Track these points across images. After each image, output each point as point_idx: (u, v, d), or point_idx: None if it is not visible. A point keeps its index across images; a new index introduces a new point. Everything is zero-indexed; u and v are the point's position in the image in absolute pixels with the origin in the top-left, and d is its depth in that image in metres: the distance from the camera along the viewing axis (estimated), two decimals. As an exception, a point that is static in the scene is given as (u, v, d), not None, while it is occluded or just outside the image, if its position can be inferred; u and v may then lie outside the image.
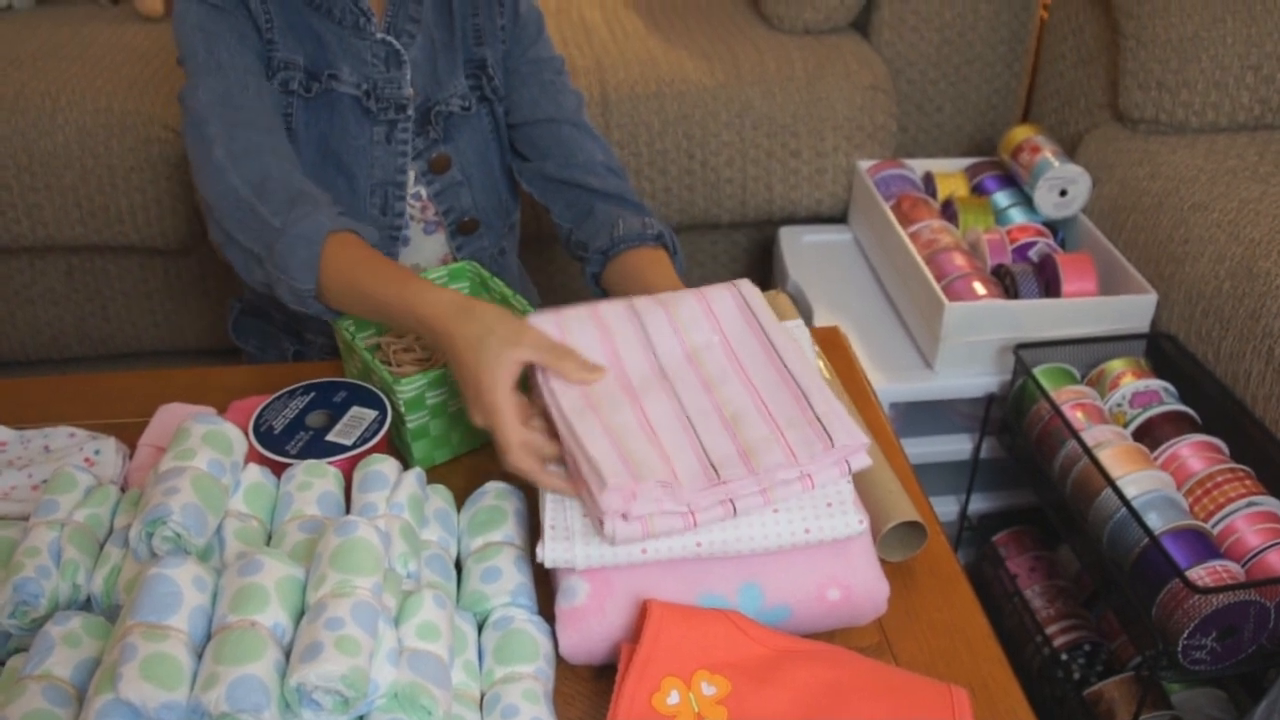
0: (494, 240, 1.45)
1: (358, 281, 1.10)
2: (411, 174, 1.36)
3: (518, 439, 0.94)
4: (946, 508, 1.83)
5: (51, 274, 2.09)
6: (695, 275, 2.21)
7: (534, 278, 2.05)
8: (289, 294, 1.15)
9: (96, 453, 1.09)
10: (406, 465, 1.05)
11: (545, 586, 0.95)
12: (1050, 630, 1.65)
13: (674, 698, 0.84)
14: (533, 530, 1.02)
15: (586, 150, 1.37)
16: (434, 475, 1.08)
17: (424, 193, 1.38)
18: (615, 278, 1.29)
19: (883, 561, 1.01)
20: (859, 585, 0.92)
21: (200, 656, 0.75)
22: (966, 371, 1.66)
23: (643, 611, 0.87)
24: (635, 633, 0.87)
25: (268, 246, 1.14)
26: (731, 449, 0.92)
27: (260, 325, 1.53)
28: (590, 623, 0.88)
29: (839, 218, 2.08)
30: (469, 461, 1.14)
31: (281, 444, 1.02)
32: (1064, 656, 1.62)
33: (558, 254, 2.12)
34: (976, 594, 1.00)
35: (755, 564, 0.91)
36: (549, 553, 0.88)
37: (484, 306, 1.00)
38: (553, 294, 2.17)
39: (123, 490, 1.01)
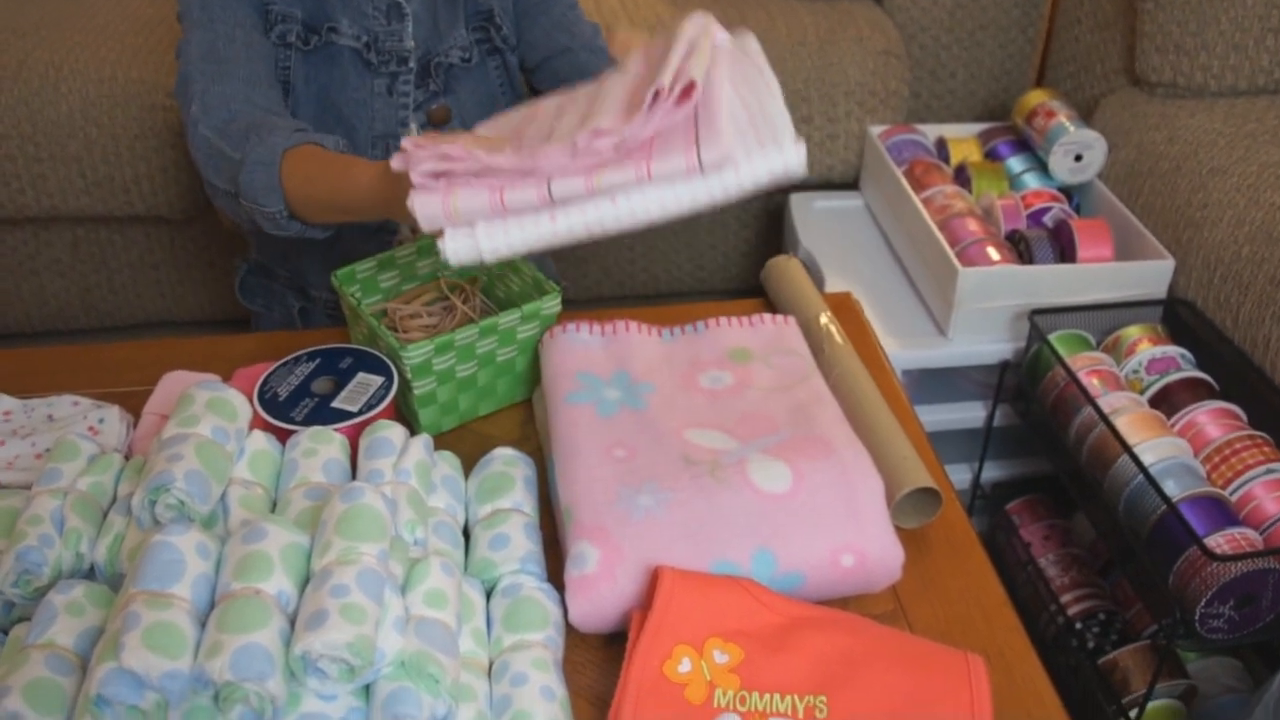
0: None
1: (315, 188, 1.11)
2: (414, 126, 1.34)
3: None
4: (960, 476, 1.81)
5: (57, 245, 2.08)
6: (705, 244, 2.19)
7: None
8: (267, 222, 1.16)
9: (101, 421, 1.08)
10: (414, 432, 1.03)
11: (555, 554, 0.94)
12: (1064, 599, 1.64)
13: (686, 665, 0.83)
14: (543, 499, 1.00)
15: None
16: (441, 442, 1.06)
17: None
18: None
19: (897, 529, 0.99)
20: (873, 551, 0.91)
21: (204, 625, 0.74)
22: (980, 338, 1.64)
23: (654, 578, 0.86)
24: (646, 600, 0.86)
25: (235, 181, 1.14)
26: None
27: (266, 285, 1.52)
28: (601, 590, 0.86)
29: (851, 184, 2.05)
30: (477, 428, 1.13)
31: (286, 411, 1.01)
32: (1078, 625, 1.60)
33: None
34: (992, 563, 0.99)
35: (768, 530, 0.90)
36: (450, 248, 0.86)
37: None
38: (564, 264, 2.15)
39: (127, 459, 1.00)
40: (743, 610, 0.86)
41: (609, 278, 2.20)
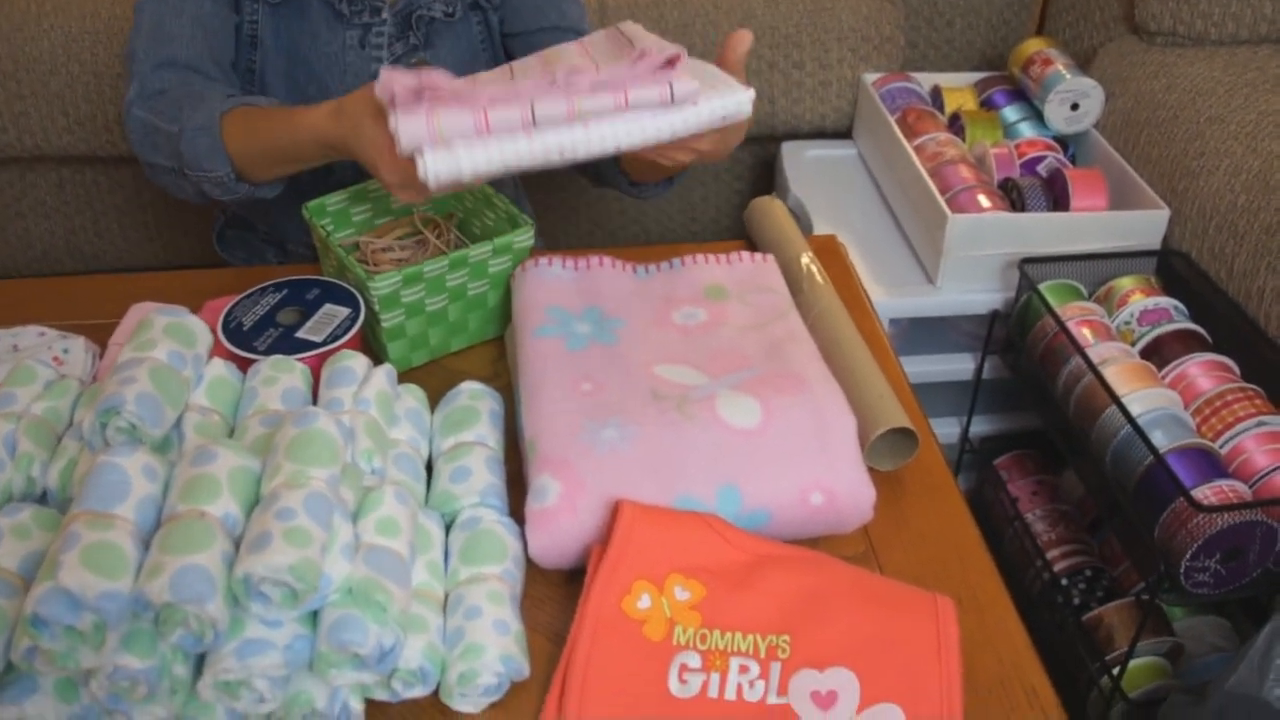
0: None
1: (260, 140, 1.11)
2: None
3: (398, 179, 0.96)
4: (948, 429, 1.79)
5: (42, 186, 2.05)
6: (696, 195, 2.16)
7: (536, 198, 2.01)
8: (215, 188, 1.16)
9: (65, 351, 1.06)
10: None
11: (520, 490, 0.92)
12: (1051, 555, 1.62)
13: (645, 601, 0.81)
14: (509, 434, 0.98)
15: None
16: (412, 378, 1.04)
17: None
18: (631, 164, 1.24)
19: (872, 471, 0.97)
20: (843, 489, 0.89)
21: (149, 548, 0.72)
22: (970, 287, 1.62)
23: (614, 512, 0.84)
24: (607, 535, 0.84)
25: (176, 154, 1.14)
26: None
27: (244, 237, 1.50)
28: (561, 523, 0.84)
29: (844, 133, 2.02)
30: (448, 364, 1.11)
31: (250, 341, 0.99)
32: (1064, 581, 1.58)
33: (560, 179, 2.07)
34: (976, 519, 0.96)
35: (735, 466, 0.87)
36: (430, 164, 0.87)
37: (351, 98, 1.01)
38: (554, 215, 2.13)
39: (88, 388, 0.98)
40: (706, 546, 0.84)
41: (600, 229, 2.17)
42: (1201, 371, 1.41)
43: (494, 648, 0.76)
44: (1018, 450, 1.80)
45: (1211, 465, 1.30)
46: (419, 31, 1.30)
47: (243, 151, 1.12)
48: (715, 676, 0.78)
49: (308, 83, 1.29)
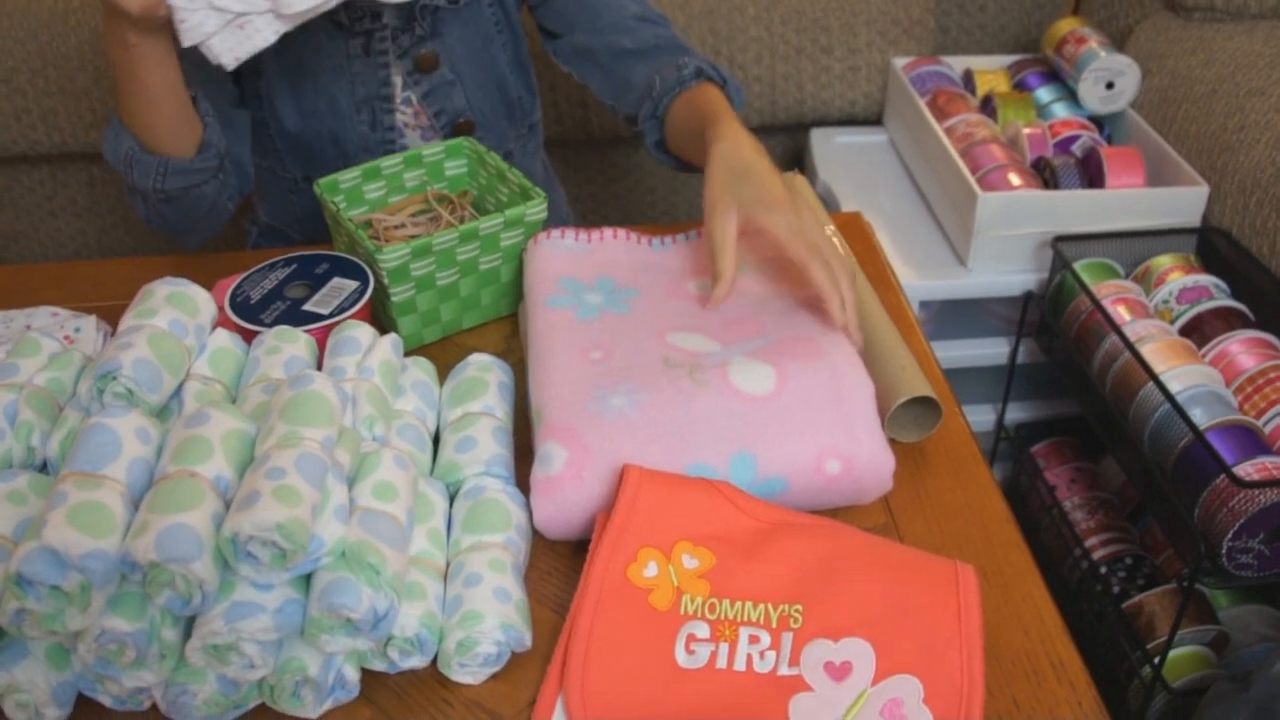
0: (497, 143, 1.36)
1: (118, 89, 1.08)
2: (399, 80, 1.27)
3: None
4: (982, 416, 1.75)
5: (74, 185, 2.06)
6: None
7: (569, 180, 1.99)
8: (140, 167, 1.11)
9: (77, 330, 1.06)
10: (388, 338, 0.99)
11: (529, 463, 0.89)
12: (1090, 543, 1.57)
13: (652, 569, 0.78)
14: (518, 406, 0.96)
15: (613, 7, 1.26)
16: (424, 355, 1.02)
17: (414, 96, 1.29)
18: (674, 138, 1.18)
19: (895, 443, 0.94)
20: (861, 457, 0.85)
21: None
22: (1002, 268, 1.58)
23: (619, 478, 0.81)
24: (613, 503, 0.81)
25: (118, 162, 1.12)
26: None
27: (279, 246, 1.48)
28: (566, 492, 0.82)
29: (874, 120, 1.98)
30: (461, 341, 1.09)
31: (256, 314, 0.97)
32: (1103, 569, 1.54)
33: (590, 159, 2.06)
34: (1012, 508, 0.93)
35: (748, 433, 0.85)
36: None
37: None
38: (584, 205, 2.11)
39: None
40: (715, 513, 0.81)
41: (628, 219, 2.15)
42: (1243, 349, 1.36)
43: (493, 615, 0.74)
44: (1055, 437, 1.75)
45: (1254, 442, 1.26)
46: (424, 22, 1.25)
47: (121, 109, 1.09)
48: (724, 647, 0.75)
49: (316, 98, 1.26)
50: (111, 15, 1.00)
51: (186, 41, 0.98)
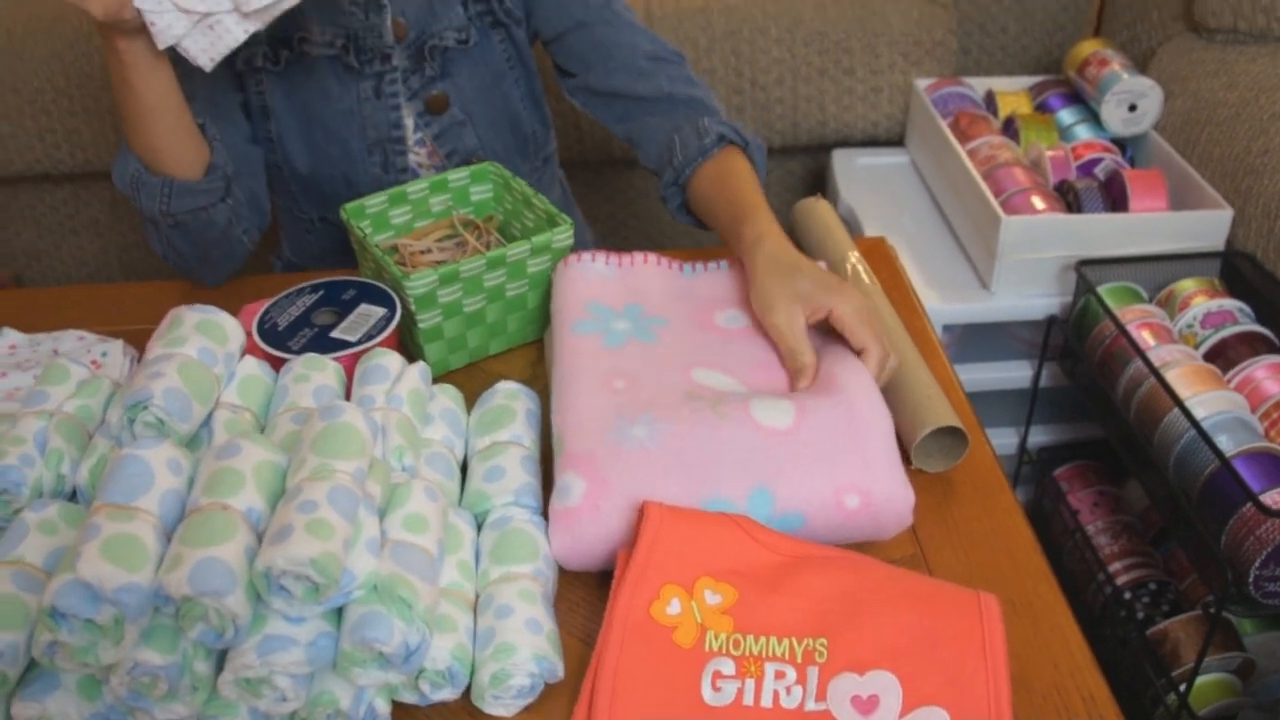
0: None
1: (119, 109, 1.09)
2: (410, 121, 1.27)
3: None
4: (1005, 440, 1.74)
5: (96, 204, 2.07)
6: (747, 205, 2.12)
7: (588, 200, 1.98)
8: (147, 190, 1.11)
9: (104, 355, 1.06)
10: (415, 365, 0.99)
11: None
12: (1113, 568, 1.56)
13: (675, 607, 0.78)
14: (544, 433, 0.96)
15: (625, 46, 1.25)
16: (450, 382, 1.02)
17: (426, 137, 1.29)
18: (699, 206, 1.18)
19: (921, 472, 0.94)
20: (880, 492, 0.85)
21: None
22: (1025, 292, 1.57)
23: (639, 514, 0.81)
24: (633, 538, 0.81)
25: (126, 186, 1.13)
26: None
27: None
28: (584, 524, 0.82)
29: (896, 141, 1.98)
30: (487, 367, 1.09)
31: (284, 340, 0.97)
32: (1127, 595, 1.53)
33: (610, 179, 2.06)
34: (1036, 532, 0.92)
35: (766, 467, 0.84)
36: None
37: None
38: (602, 226, 2.11)
39: (124, 390, 0.97)
40: (736, 548, 0.81)
41: (648, 240, 2.16)
42: (1269, 374, 1.36)
43: (526, 647, 0.74)
44: (1078, 461, 1.74)
45: (1281, 470, 1.25)
46: (434, 63, 1.25)
47: (124, 128, 1.11)
48: (750, 683, 0.75)
49: (327, 142, 1.26)
50: (99, 24, 1.01)
51: (161, 44, 1.00)
